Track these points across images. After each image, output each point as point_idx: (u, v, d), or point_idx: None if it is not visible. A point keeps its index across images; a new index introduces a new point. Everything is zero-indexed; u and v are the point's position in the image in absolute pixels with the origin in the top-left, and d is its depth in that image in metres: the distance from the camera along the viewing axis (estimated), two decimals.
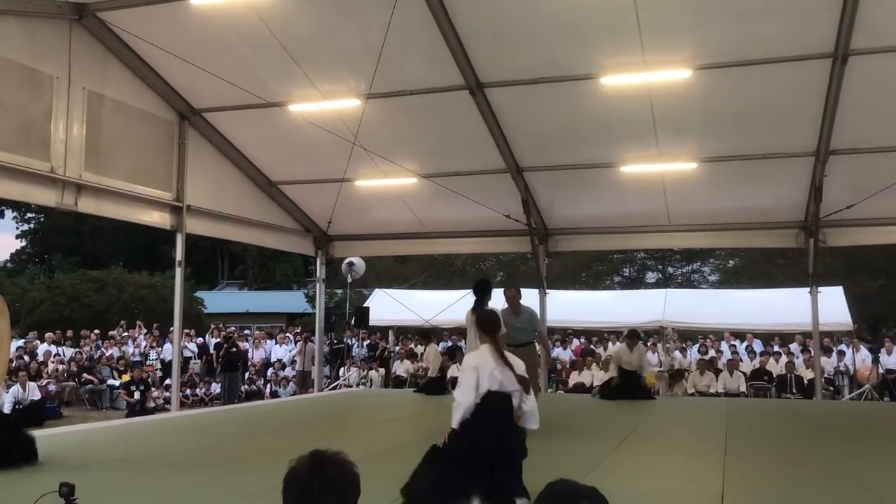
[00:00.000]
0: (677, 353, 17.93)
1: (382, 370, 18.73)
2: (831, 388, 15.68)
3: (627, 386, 11.94)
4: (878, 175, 11.40)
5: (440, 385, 12.87)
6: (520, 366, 4.84)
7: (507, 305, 9.15)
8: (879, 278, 23.92)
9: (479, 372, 4.79)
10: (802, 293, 13.95)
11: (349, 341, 19.18)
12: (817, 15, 9.03)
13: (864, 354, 16.31)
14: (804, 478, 6.10)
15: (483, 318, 5.21)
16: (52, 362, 17.67)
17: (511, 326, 8.77)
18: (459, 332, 21.07)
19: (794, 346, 17.57)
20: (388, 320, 19.22)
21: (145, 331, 20.56)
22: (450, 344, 19.33)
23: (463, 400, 4.73)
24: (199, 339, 20.20)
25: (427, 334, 15.23)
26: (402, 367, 17.89)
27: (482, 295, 8.18)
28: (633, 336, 12.93)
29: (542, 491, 1.91)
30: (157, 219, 11.80)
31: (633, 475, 6.22)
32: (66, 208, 10.28)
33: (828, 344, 16.23)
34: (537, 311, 10.27)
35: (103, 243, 42.37)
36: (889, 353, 16.17)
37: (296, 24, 10.06)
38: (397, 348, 19.93)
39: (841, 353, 16.15)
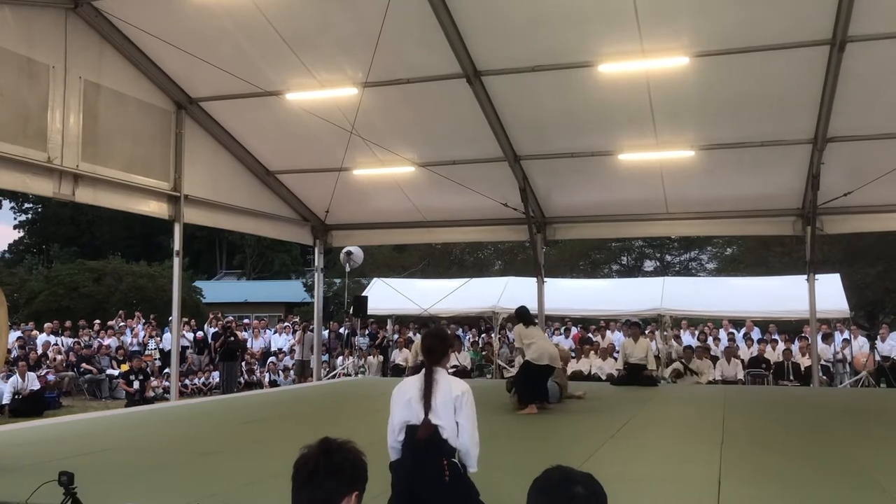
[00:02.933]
0: (673, 343, 17.98)
1: (381, 357, 18.78)
2: (825, 376, 15.71)
3: (635, 379, 12.28)
4: (876, 162, 11.41)
5: None
6: (450, 391, 3.86)
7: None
8: (877, 265, 23.94)
9: (392, 403, 3.97)
10: (800, 280, 13.97)
11: (356, 329, 19.24)
12: (815, 2, 9.02)
13: (860, 341, 16.35)
14: (801, 463, 6.13)
15: (426, 338, 4.19)
16: (51, 352, 17.68)
17: None
18: (458, 321, 21.15)
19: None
20: (386, 309, 19.24)
21: (144, 321, 20.57)
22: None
23: (388, 439, 4.00)
24: (199, 333, 20.14)
25: (426, 323, 15.26)
26: (400, 356, 17.93)
27: (524, 320, 9.35)
28: (635, 326, 13.05)
29: (537, 477, 1.93)
30: (154, 208, 11.80)
31: (631, 461, 6.25)
32: (63, 198, 10.28)
33: (825, 330, 16.25)
34: (535, 299, 11.07)
35: (101, 233, 42.38)
36: (884, 339, 16.19)
37: (293, 12, 10.02)
38: (395, 337, 19.98)
39: (846, 342, 16.16)
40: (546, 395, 9.22)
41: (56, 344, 18.36)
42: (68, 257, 36.98)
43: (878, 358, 15.42)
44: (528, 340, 9.26)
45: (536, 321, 10.20)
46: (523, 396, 9.04)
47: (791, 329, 18.62)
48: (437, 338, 4.11)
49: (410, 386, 3.93)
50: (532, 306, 15.49)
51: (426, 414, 3.79)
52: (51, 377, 16.09)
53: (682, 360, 14.99)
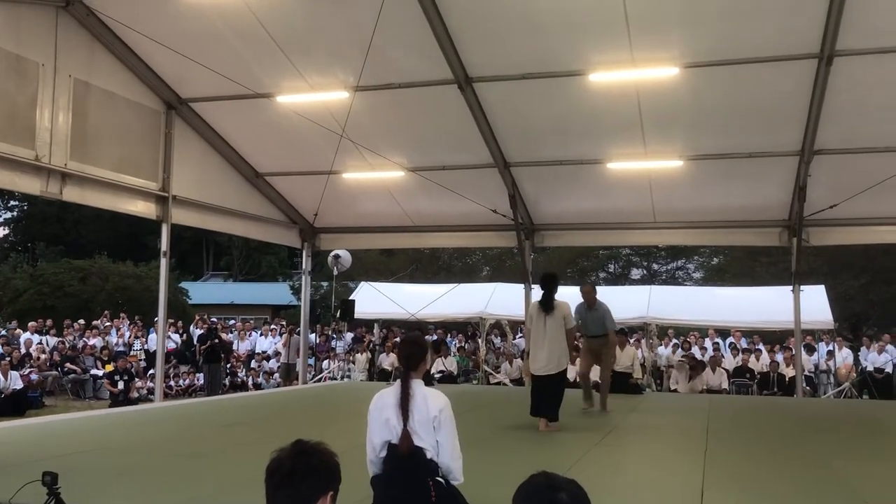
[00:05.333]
0: (661, 350, 18.06)
1: (370, 354, 18.74)
2: (808, 387, 15.82)
3: (620, 387, 12.11)
4: (862, 175, 11.51)
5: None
6: (427, 410, 3.76)
7: (582, 300, 9.61)
8: (861, 277, 24.12)
9: (370, 417, 3.87)
10: (785, 291, 14.07)
11: (331, 335, 19.19)
12: (804, 16, 9.11)
13: (844, 353, 16.48)
14: (783, 472, 6.18)
15: (403, 345, 4.11)
16: (35, 351, 17.55)
17: (586, 321, 9.64)
18: (444, 325, 21.14)
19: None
20: (374, 313, 19.22)
21: (129, 321, 20.45)
22: (435, 338, 19.35)
23: (368, 453, 3.92)
24: (184, 335, 20.02)
25: (413, 328, 15.24)
26: (387, 360, 17.91)
27: (549, 288, 8.31)
28: (621, 334, 13.08)
29: (522, 483, 1.94)
30: (142, 208, 11.75)
31: (614, 468, 6.28)
32: (50, 197, 10.22)
33: (808, 341, 16.36)
34: (522, 307, 10.18)
35: (87, 232, 42.08)
36: (880, 352, 16.29)
37: (285, 15, 10.03)
38: (383, 340, 19.94)
39: (831, 354, 16.26)
40: (552, 411, 8.05)
41: (40, 343, 18.23)
42: (54, 256, 36.73)
43: (871, 369, 15.56)
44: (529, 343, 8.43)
45: (555, 304, 8.17)
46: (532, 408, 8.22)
47: (775, 339, 18.73)
48: (415, 345, 4.03)
49: (387, 401, 3.82)
50: (519, 314, 15.49)
51: (404, 425, 3.72)
52: (34, 376, 15.96)
53: (691, 367, 15.07)
